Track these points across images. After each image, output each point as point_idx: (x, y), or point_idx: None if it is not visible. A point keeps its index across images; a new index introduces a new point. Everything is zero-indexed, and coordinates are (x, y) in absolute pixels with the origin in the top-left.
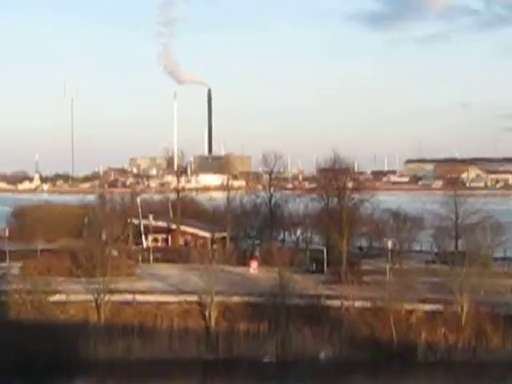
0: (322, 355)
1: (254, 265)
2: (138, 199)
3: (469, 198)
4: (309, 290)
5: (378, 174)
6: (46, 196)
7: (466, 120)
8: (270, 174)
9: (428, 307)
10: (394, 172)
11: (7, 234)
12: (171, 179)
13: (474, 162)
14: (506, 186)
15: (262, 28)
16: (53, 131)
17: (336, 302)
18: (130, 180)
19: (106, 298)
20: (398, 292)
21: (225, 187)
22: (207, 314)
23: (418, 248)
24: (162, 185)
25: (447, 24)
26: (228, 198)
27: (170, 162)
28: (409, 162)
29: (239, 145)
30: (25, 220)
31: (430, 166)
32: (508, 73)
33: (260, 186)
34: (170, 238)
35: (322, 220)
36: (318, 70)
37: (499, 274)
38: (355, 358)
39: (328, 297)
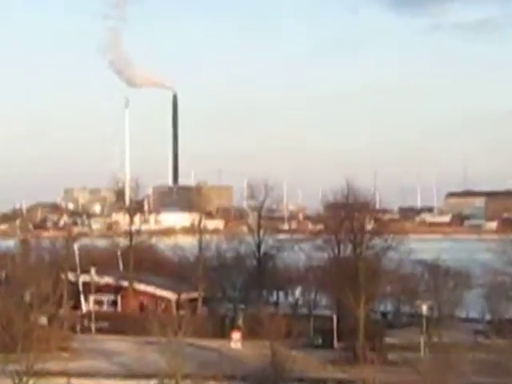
0: None
1: (236, 337)
2: (76, 246)
3: None
4: (312, 372)
5: (409, 212)
6: None
7: None
8: (259, 211)
9: None
10: (430, 209)
11: None
12: (121, 218)
13: None
14: None
15: (249, 12)
16: None
17: None
18: (65, 219)
19: (30, 383)
20: (436, 375)
21: (196, 230)
22: None
23: (463, 315)
24: (109, 226)
25: (500, 8)
26: (200, 245)
27: (119, 194)
28: (451, 195)
29: (216, 170)
30: None
31: (480, 202)
32: None
33: (245, 228)
34: (119, 299)
35: (331, 275)
36: (324, 69)
37: None
38: None
39: (340, 382)
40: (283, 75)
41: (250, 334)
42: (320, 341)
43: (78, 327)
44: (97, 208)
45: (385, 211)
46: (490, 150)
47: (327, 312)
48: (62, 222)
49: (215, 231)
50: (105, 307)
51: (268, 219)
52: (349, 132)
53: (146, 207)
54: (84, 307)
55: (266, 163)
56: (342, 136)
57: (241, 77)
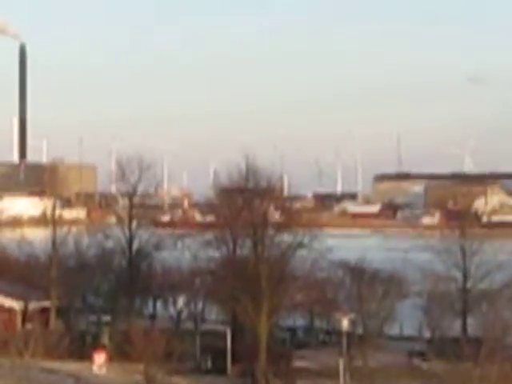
0: None
1: (99, 359)
2: None
3: (487, 244)
4: None
5: (327, 200)
6: None
7: (483, 107)
8: (131, 196)
9: None
10: (354, 196)
11: None
12: None
13: (496, 179)
14: None
15: None
16: None
17: None
18: None
19: None
20: None
21: (49, 220)
22: None
23: (396, 331)
24: None
25: None
26: (54, 240)
27: None
28: (381, 179)
29: (76, 145)
30: None
31: (417, 187)
32: None
33: (113, 219)
34: None
35: (225, 280)
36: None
37: None
38: None
39: None
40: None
41: (118, 355)
42: (210, 364)
43: None
44: None
45: (295, 198)
46: (432, 125)
47: (219, 327)
48: None
49: (74, 222)
50: None
51: (143, 208)
52: (254, 97)
53: None
54: None
55: (140, 137)
56: (241, 101)
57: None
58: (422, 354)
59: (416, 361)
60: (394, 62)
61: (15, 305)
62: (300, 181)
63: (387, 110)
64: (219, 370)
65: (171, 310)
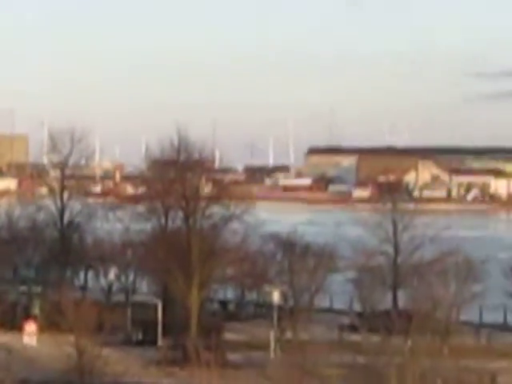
0: None
1: (30, 330)
2: None
3: (418, 218)
4: (130, 376)
5: (258, 173)
6: None
7: (411, 84)
8: (63, 167)
9: None
10: (286, 169)
11: None
12: None
13: (426, 153)
14: (485, 197)
15: None
16: None
17: None
18: None
19: None
20: (289, 381)
21: None
22: None
23: (326, 304)
24: None
25: None
26: None
27: None
28: (312, 152)
29: (5, 113)
30: None
31: (349, 160)
32: None
33: (44, 190)
34: None
35: (156, 253)
36: None
37: (470, 351)
38: None
39: None
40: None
41: (49, 326)
42: (140, 336)
43: None
44: None
45: (226, 171)
46: (363, 97)
47: (150, 299)
48: None
49: (5, 193)
50: None
51: (75, 179)
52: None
53: None
54: None
55: (73, 107)
56: (174, 78)
57: None
58: (352, 328)
59: (346, 334)
60: (338, 33)
61: None
62: (231, 153)
63: (319, 83)
64: (150, 341)
65: (102, 281)
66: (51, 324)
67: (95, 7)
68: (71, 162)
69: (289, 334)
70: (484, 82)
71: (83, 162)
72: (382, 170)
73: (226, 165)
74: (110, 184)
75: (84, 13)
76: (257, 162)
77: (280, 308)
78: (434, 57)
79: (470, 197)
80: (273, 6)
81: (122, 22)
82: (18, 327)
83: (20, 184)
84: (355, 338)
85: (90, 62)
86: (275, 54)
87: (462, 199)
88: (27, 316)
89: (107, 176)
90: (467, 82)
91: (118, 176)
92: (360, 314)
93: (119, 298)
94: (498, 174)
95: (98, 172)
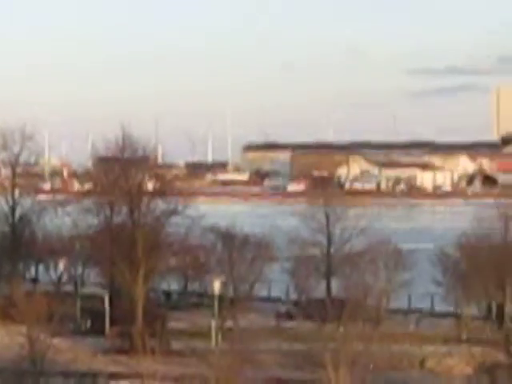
0: None
1: None
2: None
3: (350, 210)
4: (80, 363)
5: (198, 169)
6: None
7: (344, 82)
8: (14, 165)
9: None
10: (224, 165)
11: None
12: None
13: (357, 148)
14: (412, 189)
15: None
16: None
17: None
18: None
19: None
20: (230, 368)
21: None
22: None
23: (264, 293)
24: None
25: None
26: None
27: None
28: (249, 148)
29: None
30: None
31: (284, 156)
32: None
33: None
34: None
35: (103, 246)
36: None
37: (400, 337)
38: None
39: (113, 375)
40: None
41: (1, 317)
42: (89, 325)
43: None
44: None
45: (169, 167)
46: (297, 94)
47: (98, 290)
48: None
49: None
50: None
51: (25, 176)
52: (129, 75)
53: None
54: None
55: (22, 107)
56: (119, 80)
57: None
58: (288, 315)
59: (283, 321)
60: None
61: None
62: (173, 150)
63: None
64: (98, 331)
65: (52, 273)
66: (4, 316)
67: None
68: (21, 159)
69: (229, 322)
70: (414, 79)
71: (33, 159)
72: (315, 165)
73: (168, 160)
74: (58, 181)
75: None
76: (197, 158)
77: (221, 297)
78: (369, 57)
79: (398, 189)
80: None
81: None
82: None
83: None
84: (291, 325)
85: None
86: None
87: (390, 192)
88: None
89: (55, 173)
90: (399, 80)
91: (65, 173)
92: (296, 302)
93: (68, 289)
94: (425, 167)
95: (47, 169)
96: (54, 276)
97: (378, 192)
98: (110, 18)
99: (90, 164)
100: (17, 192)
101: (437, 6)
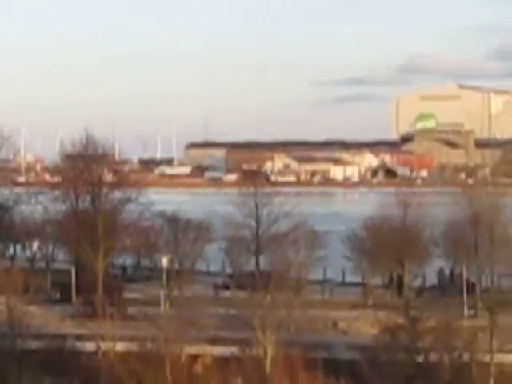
0: None
1: None
2: None
3: (275, 198)
4: (51, 327)
5: (149, 164)
6: None
7: (269, 91)
8: None
9: (219, 350)
10: (170, 160)
11: None
12: None
13: (280, 146)
14: (326, 180)
15: None
16: None
17: (90, 345)
18: None
19: None
20: (176, 330)
21: None
22: None
23: (204, 268)
24: None
25: None
26: None
27: None
28: (191, 146)
29: None
30: None
31: (220, 153)
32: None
33: None
34: None
35: (69, 229)
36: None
37: (316, 303)
38: None
39: (79, 337)
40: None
41: None
42: (58, 295)
43: None
44: None
45: (124, 162)
46: (230, 104)
47: (65, 266)
48: None
49: None
50: None
51: (4, 171)
52: (90, 85)
53: None
54: None
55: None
56: (82, 87)
57: None
58: (224, 286)
59: (220, 291)
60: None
61: None
62: (128, 148)
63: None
64: (66, 300)
65: (28, 252)
66: None
67: None
68: (1, 156)
69: (175, 292)
70: (327, 88)
71: (10, 156)
72: (246, 160)
73: (124, 157)
74: (32, 175)
75: None
76: (148, 155)
77: (168, 271)
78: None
79: (314, 180)
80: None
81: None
82: None
83: None
84: (227, 294)
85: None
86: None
87: (308, 182)
88: None
89: (30, 168)
90: (312, 88)
91: (38, 168)
92: (230, 275)
93: (41, 265)
94: (336, 162)
95: (23, 164)
96: (29, 254)
97: (298, 182)
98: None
99: (59, 160)
100: None
101: (340, 21)
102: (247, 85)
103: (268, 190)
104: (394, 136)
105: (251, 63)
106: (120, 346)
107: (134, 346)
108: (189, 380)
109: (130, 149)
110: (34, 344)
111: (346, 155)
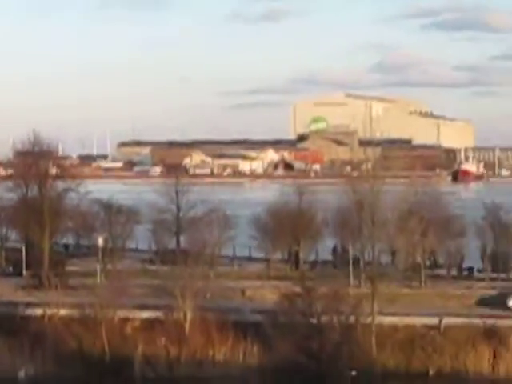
0: (22, 374)
1: None
2: None
3: (192, 187)
4: (5, 296)
5: (87, 159)
6: None
7: (187, 98)
8: None
9: (146, 315)
10: (105, 156)
11: None
12: None
13: (197, 145)
14: (235, 173)
15: None
16: None
17: (38, 311)
18: None
19: None
20: (110, 298)
21: None
22: None
23: (133, 246)
24: None
25: None
26: None
27: None
28: (122, 145)
29: None
30: None
31: (146, 150)
32: (238, 41)
33: None
34: None
35: (20, 213)
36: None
37: (227, 275)
38: (61, 376)
39: (28, 304)
40: None
41: None
42: (11, 269)
43: None
44: None
45: (66, 158)
46: (155, 109)
47: (17, 245)
48: None
49: None
50: None
51: None
52: (38, 91)
53: None
54: None
55: None
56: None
57: None
58: (151, 261)
59: (147, 265)
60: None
61: None
62: (69, 146)
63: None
64: (18, 274)
65: None
66: None
67: None
68: None
69: (109, 266)
70: (235, 96)
71: None
72: (168, 156)
73: (66, 153)
74: None
75: None
76: (86, 151)
77: (103, 249)
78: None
79: (225, 173)
80: None
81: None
82: None
83: None
84: (152, 268)
85: None
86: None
87: (220, 174)
88: None
89: None
90: (223, 96)
91: None
92: (156, 252)
93: None
94: (244, 157)
95: None
96: None
97: (211, 175)
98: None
99: (11, 156)
100: None
101: (248, 42)
102: (170, 92)
103: (187, 181)
104: (291, 136)
105: (175, 75)
106: (63, 312)
107: (74, 312)
108: (120, 339)
109: (71, 146)
110: None
111: (251, 152)
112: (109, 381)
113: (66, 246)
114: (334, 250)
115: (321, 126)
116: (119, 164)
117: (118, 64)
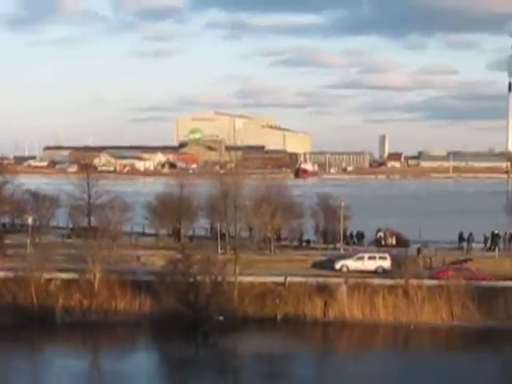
0: None
1: None
2: None
3: (100, 181)
4: None
5: (20, 160)
6: None
7: (99, 112)
8: None
9: (65, 276)
10: (34, 157)
11: None
12: None
13: (104, 149)
14: (133, 170)
15: None
16: None
17: None
18: None
19: None
20: (38, 263)
21: None
22: None
23: (55, 224)
24: None
25: (80, 28)
26: None
27: None
28: (47, 148)
29: None
30: None
31: (66, 153)
32: (137, 71)
33: None
34: None
35: None
36: None
37: (126, 246)
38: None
39: None
40: None
41: None
42: None
43: None
44: None
45: (4, 158)
46: (74, 122)
47: None
48: None
49: None
50: None
51: None
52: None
53: None
54: None
55: None
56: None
57: None
58: (68, 236)
59: (66, 239)
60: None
61: None
62: (6, 149)
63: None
64: None
65: None
66: None
67: None
68: None
69: (37, 240)
70: (134, 111)
71: None
72: (82, 158)
73: (3, 155)
74: None
75: None
76: (19, 153)
77: (32, 227)
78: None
79: (125, 170)
80: None
81: None
82: None
83: None
84: (70, 241)
85: None
86: None
87: (121, 171)
88: None
89: None
90: (126, 111)
91: None
92: (72, 229)
93: None
94: (139, 158)
95: None
96: None
97: (114, 172)
98: None
99: None
100: None
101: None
102: (86, 108)
103: (96, 176)
104: (175, 143)
105: (90, 94)
106: (1, 274)
107: (10, 274)
108: (46, 295)
109: (8, 149)
110: None
111: (145, 154)
112: (36, 326)
113: (4, 225)
114: (212, 227)
115: (197, 135)
116: (45, 163)
117: (45, 83)
